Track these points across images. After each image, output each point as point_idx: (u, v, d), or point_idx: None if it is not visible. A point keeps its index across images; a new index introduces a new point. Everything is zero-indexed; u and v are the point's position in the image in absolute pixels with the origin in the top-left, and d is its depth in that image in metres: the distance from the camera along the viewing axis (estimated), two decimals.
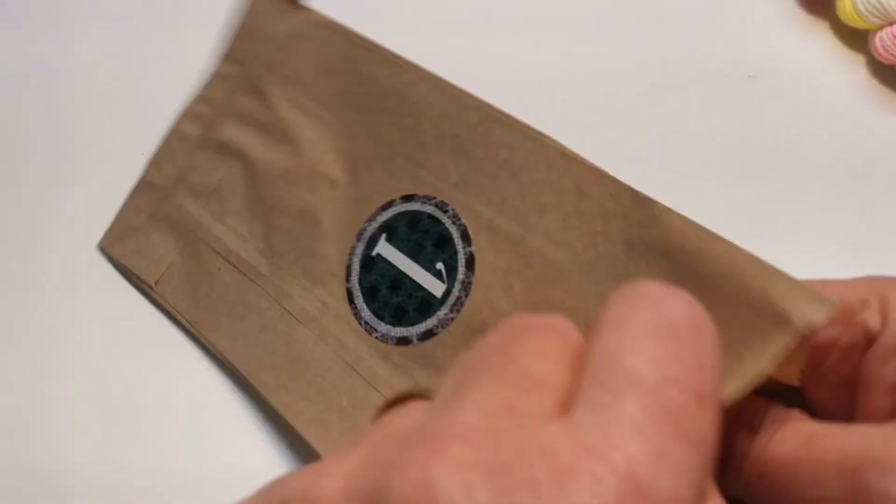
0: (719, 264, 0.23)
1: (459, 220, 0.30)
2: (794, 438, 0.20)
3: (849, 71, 0.40)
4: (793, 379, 0.22)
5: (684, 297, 0.17)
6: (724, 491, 0.19)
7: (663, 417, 0.15)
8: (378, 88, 0.33)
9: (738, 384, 0.20)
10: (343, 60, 0.34)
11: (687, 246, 0.24)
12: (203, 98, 0.38)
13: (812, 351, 0.23)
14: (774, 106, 0.39)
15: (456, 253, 0.30)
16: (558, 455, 0.14)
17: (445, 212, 0.30)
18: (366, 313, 0.31)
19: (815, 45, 0.41)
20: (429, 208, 0.31)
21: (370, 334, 0.31)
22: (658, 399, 0.15)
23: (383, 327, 0.31)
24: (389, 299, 0.31)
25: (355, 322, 0.31)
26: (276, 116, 0.35)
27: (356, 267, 0.32)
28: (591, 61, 0.41)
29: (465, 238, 0.30)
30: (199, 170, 0.37)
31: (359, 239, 0.32)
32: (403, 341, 0.30)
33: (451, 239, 0.30)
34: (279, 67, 0.36)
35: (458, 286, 0.30)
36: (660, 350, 0.15)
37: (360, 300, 0.32)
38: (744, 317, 0.21)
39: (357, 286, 0.32)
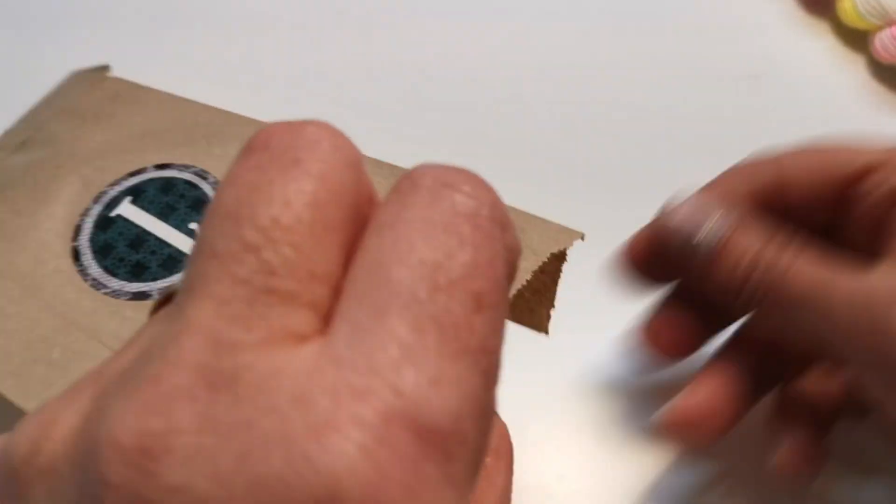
0: None
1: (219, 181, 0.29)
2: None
3: (849, 71, 0.39)
4: (544, 325, 0.25)
5: (465, 181, 0.14)
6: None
7: (435, 333, 0.12)
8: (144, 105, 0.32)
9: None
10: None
11: None
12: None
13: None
14: (774, 106, 0.38)
15: None
16: (314, 403, 0.11)
17: (205, 178, 0.29)
18: (94, 270, 0.27)
19: (816, 46, 0.40)
20: (186, 175, 0.29)
21: (97, 290, 0.27)
22: (428, 311, 0.12)
23: (115, 283, 0.27)
24: (127, 256, 0.27)
25: (78, 278, 0.27)
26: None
27: (88, 226, 0.28)
28: (592, 61, 0.40)
29: None
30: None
31: (96, 201, 0.29)
32: (141, 296, 0.27)
33: (207, 202, 0.28)
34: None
35: None
36: (429, 252, 0.13)
37: (87, 258, 0.27)
38: None
39: (87, 244, 0.28)
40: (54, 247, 0.28)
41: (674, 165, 0.36)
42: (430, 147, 0.37)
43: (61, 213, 0.29)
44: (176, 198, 0.29)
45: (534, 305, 0.26)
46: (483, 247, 0.13)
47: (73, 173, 0.30)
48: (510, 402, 0.26)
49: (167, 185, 0.29)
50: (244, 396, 0.12)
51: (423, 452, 0.12)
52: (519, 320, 0.26)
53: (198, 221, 0.28)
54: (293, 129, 0.14)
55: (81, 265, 0.27)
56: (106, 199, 0.29)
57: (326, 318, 0.13)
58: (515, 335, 0.32)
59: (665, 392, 0.30)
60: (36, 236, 0.28)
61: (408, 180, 0.14)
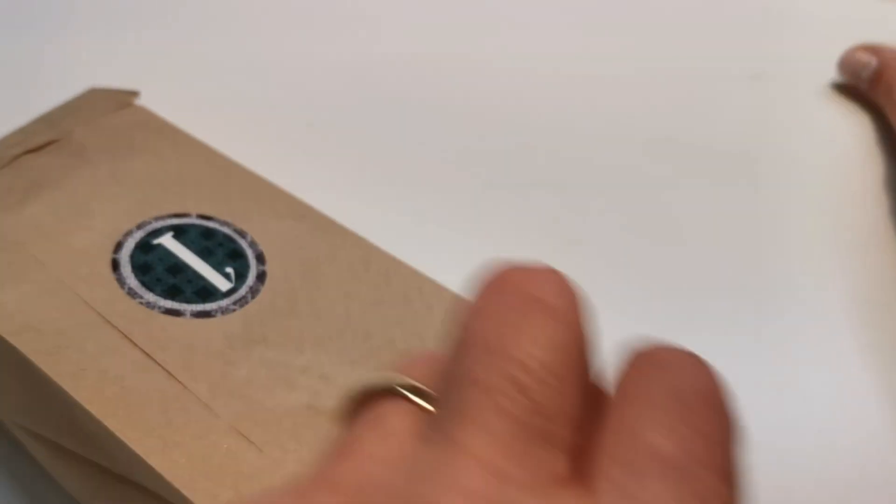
0: None
1: (257, 246, 0.32)
2: None
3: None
4: None
5: (700, 362, 0.14)
6: None
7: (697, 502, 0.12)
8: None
9: None
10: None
11: None
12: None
13: None
14: (774, 106, 0.37)
15: (248, 267, 0.31)
16: None
17: (244, 237, 0.32)
18: (132, 281, 0.29)
19: (816, 46, 0.39)
20: (226, 230, 0.32)
21: (132, 298, 0.28)
22: (687, 482, 0.12)
23: (151, 296, 0.28)
24: (164, 278, 0.29)
25: (115, 284, 0.28)
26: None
27: (129, 245, 0.30)
28: (592, 62, 0.39)
29: (261, 259, 0.31)
30: None
31: (139, 228, 0.31)
32: (174, 313, 0.28)
33: (244, 256, 0.31)
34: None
35: (245, 289, 0.30)
36: (681, 425, 0.13)
37: (126, 269, 0.29)
38: None
39: (127, 259, 0.29)
40: (93, 254, 0.29)
41: (674, 164, 0.35)
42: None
43: (102, 227, 0.30)
44: (215, 245, 0.31)
45: None
46: (724, 427, 0.14)
47: (116, 196, 0.32)
48: None
49: (208, 232, 0.32)
50: None
51: None
52: None
53: (235, 268, 0.30)
54: (529, 272, 0.15)
55: (119, 274, 0.29)
56: (149, 228, 0.31)
57: (576, 464, 0.13)
58: None
59: None
60: (76, 242, 0.30)
61: (643, 352, 0.15)
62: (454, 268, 0.33)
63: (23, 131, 0.36)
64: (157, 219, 0.32)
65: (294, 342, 0.28)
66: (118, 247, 0.30)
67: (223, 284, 0.30)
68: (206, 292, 0.29)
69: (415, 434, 0.14)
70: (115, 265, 0.29)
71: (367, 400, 0.15)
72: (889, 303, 0.33)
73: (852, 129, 0.38)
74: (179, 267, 0.30)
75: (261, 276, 0.30)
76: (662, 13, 0.44)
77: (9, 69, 0.43)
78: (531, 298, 0.14)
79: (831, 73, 0.41)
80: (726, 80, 0.39)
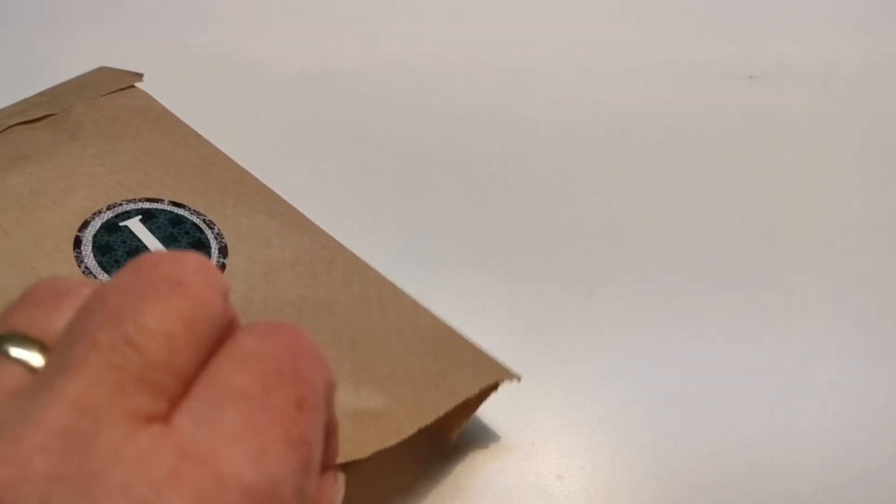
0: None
1: (222, 238, 0.32)
2: None
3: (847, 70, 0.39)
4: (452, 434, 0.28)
5: (288, 330, 0.17)
6: None
7: (264, 422, 0.15)
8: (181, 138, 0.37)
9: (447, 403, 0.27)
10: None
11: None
12: None
13: None
14: (774, 106, 0.38)
15: (210, 258, 0.31)
16: (156, 462, 0.14)
17: (212, 228, 0.32)
18: (90, 261, 0.29)
19: (815, 45, 0.40)
20: (196, 219, 0.33)
21: (86, 277, 0.29)
22: (258, 407, 0.15)
23: (105, 277, 0.29)
24: (122, 260, 0.30)
25: (73, 263, 0.29)
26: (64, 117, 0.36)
27: (96, 225, 0.31)
28: (591, 62, 0.40)
29: (223, 252, 0.32)
30: None
31: (109, 209, 0.32)
32: None
33: (209, 247, 0.32)
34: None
35: None
36: (261, 367, 0.16)
37: (87, 248, 0.30)
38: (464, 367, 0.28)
39: (90, 238, 0.30)
40: (61, 230, 0.30)
41: (673, 164, 0.36)
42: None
43: (75, 205, 0.31)
44: (181, 233, 0.32)
45: (456, 415, 0.29)
46: (307, 366, 0.17)
47: (96, 177, 0.33)
48: (512, 400, 0.29)
49: (177, 219, 0.32)
50: (96, 455, 0.14)
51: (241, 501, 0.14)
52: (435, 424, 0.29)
53: None
54: (177, 257, 0.17)
55: (79, 253, 0.30)
56: (119, 209, 0.32)
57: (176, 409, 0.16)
58: (520, 340, 0.32)
59: (665, 392, 0.32)
60: (48, 216, 0.31)
61: (245, 330, 0.17)
62: (446, 273, 0.35)
63: (25, 102, 0.37)
64: (129, 201, 0.32)
65: None
66: (84, 225, 0.31)
67: None
68: None
69: (15, 392, 0.15)
70: (77, 243, 0.30)
71: None
72: (889, 304, 0.33)
73: (852, 128, 0.38)
74: (139, 251, 0.30)
75: (220, 270, 0.31)
76: (661, 13, 0.45)
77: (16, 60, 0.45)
78: (164, 276, 0.16)
79: (829, 73, 0.40)
80: (724, 79, 0.39)
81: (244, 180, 0.35)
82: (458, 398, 0.27)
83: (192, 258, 0.17)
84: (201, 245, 0.32)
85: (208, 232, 0.32)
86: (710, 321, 0.34)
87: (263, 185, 0.35)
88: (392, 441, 0.25)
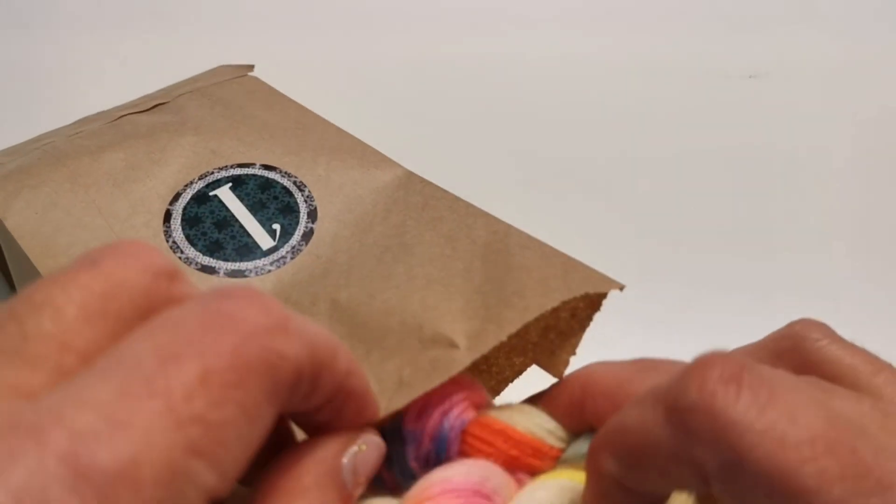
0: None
1: (312, 201, 0.31)
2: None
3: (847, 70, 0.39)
4: (560, 370, 0.25)
5: (233, 294, 0.15)
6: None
7: (141, 392, 0.13)
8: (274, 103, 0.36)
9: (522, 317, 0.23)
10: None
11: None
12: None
13: None
14: (774, 106, 0.38)
15: (297, 223, 0.30)
16: None
17: (302, 191, 0.31)
18: (177, 234, 0.29)
19: (816, 45, 0.40)
20: (287, 182, 0.32)
21: (173, 252, 0.29)
22: (143, 375, 0.13)
23: (191, 252, 0.29)
24: (209, 232, 0.30)
25: (161, 237, 0.29)
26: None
27: (187, 196, 0.31)
28: (591, 61, 0.40)
29: (312, 216, 0.30)
30: None
31: (201, 178, 0.31)
32: (208, 270, 0.29)
33: (297, 211, 0.31)
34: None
35: (286, 248, 0.29)
36: (166, 335, 0.14)
37: (176, 222, 0.30)
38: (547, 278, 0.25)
39: (179, 211, 0.30)
40: (152, 204, 0.30)
41: (673, 164, 0.36)
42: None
43: (168, 177, 0.31)
44: (270, 198, 0.31)
45: (556, 348, 0.26)
46: (228, 336, 0.14)
47: (190, 147, 0.33)
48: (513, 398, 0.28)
49: (267, 184, 0.31)
50: None
51: (73, 489, 0.12)
52: (537, 361, 0.26)
53: (283, 224, 0.30)
54: (109, 244, 0.16)
55: (168, 227, 0.30)
56: (210, 178, 0.31)
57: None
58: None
59: None
60: (140, 190, 0.31)
61: (196, 293, 0.16)
62: None
63: (142, 97, 0.38)
64: (221, 169, 0.32)
65: (312, 307, 0.27)
66: (176, 198, 0.31)
67: (265, 242, 0.30)
68: (247, 250, 0.29)
69: None
70: (168, 217, 0.30)
71: None
72: (890, 305, 0.32)
73: (852, 127, 0.38)
74: (227, 221, 0.30)
75: (306, 235, 0.30)
76: (662, 12, 0.44)
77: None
78: (89, 261, 0.15)
79: (829, 72, 0.40)
80: (724, 78, 0.39)
81: (341, 138, 0.34)
82: (532, 313, 0.23)
83: (126, 242, 0.16)
84: (290, 210, 0.31)
85: (298, 195, 0.31)
86: (714, 318, 0.33)
87: (360, 142, 0.34)
88: (454, 370, 0.22)
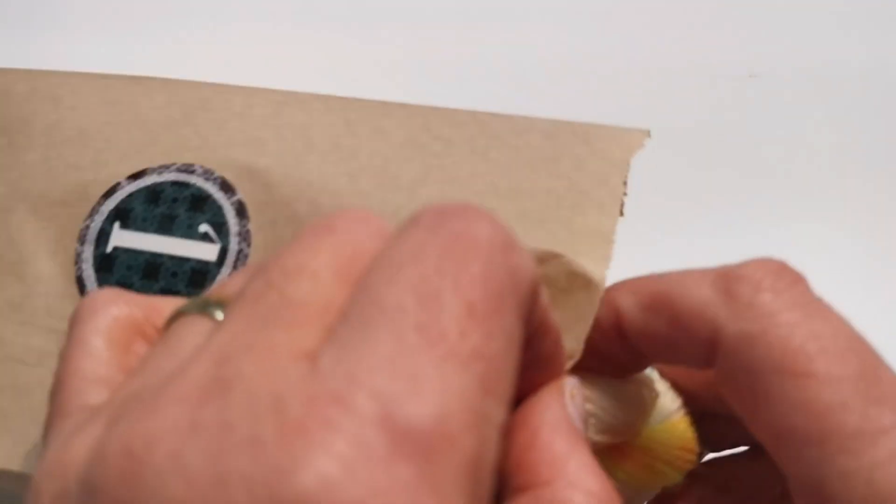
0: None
1: (213, 174, 0.25)
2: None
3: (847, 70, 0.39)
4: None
5: (462, 211, 0.14)
6: None
7: (420, 340, 0.13)
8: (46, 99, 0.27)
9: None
10: (26, 91, 0.28)
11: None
12: None
13: None
14: (774, 106, 0.38)
15: (220, 208, 0.24)
16: (289, 407, 0.12)
17: (192, 172, 0.25)
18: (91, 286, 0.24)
19: (815, 45, 0.40)
20: (169, 176, 0.25)
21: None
22: (411, 320, 0.13)
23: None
24: (148, 289, 0.24)
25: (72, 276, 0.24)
26: None
27: (89, 274, 0.24)
28: (591, 61, 0.40)
29: (227, 188, 0.24)
30: None
31: (82, 242, 0.25)
32: None
33: (209, 196, 0.24)
34: None
35: (234, 239, 0.24)
36: (417, 269, 0.13)
37: (88, 274, 0.24)
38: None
39: (89, 266, 0.24)
40: (65, 311, 0.24)
41: (673, 164, 0.37)
42: None
43: (50, 270, 0.25)
44: (169, 205, 0.25)
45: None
46: (474, 261, 0.14)
47: (34, 217, 0.25)
48: None
49: (152, 194, 0.25)
50: (232, 402, 0.12)
51: (396, 452, 0.12)
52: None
53: (206, 221, 0.24)
54: (336, 212, 0.16)
55: (80, 270, 0.24)
56: (91, 234, 0.25)
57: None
58: None
59: None
60: (34, 306, 0.24)
61: (409, 218, 0.15)
62: None
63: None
64: (91, 215, 0.25)
65: None
66: (81, 284, 0.24)
67: (209, 252, 0.24)
68: (200, 275, 0.24)
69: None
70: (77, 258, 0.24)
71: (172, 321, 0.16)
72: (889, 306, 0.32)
73: (852, 127, 0.37)
74: (153, 263, 0.24)
75: (240, 211, 0.24)
76: (661, 11, 0.43)
77: None
78: (325, 227, 0.15)
79: (830, 72, 0.39)
80: (724, 78, 0.39)
81: (181, 89, 0.27)
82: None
83: (353, 210, 0.16)
84: (200, 199, 0.24)
85: (193, 179, 0.25)
86: None
87: (199, 83, 0.27)
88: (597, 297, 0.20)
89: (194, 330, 0.15)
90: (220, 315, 0.15)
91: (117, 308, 0.18)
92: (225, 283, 0.17)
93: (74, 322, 0.18)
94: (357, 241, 0.15)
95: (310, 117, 0.25)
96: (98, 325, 0.17)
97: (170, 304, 0.18)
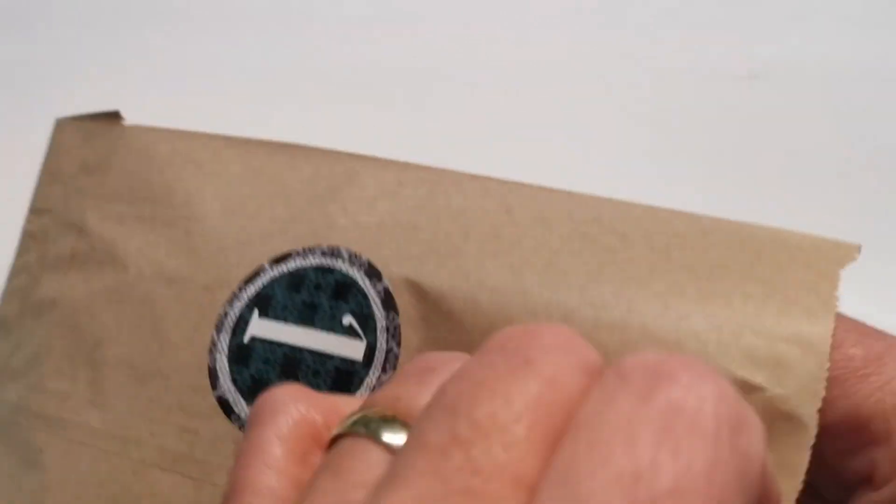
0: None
1: (359, 258, 0.22)
2: None
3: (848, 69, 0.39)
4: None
5: (683, 369, 0.12)
6: None
7: None
8: (217, 165, 0.26)
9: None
10: (167, 153, 0.27)
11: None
12: (16, 270, 0.28)
13: None
14: (774, 106, 0.38)
15: (366, 297, 0.22)
16: None
17: (338, 256, 0.23)
18: (227, 386, 0.21)
19: (816, 45, 0.40)
20: (313, 261, 0.23)
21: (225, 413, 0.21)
22: None
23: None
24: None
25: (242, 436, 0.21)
26: (94, 241, 0.26)
27: (224, 365, 0.22)
28: (592, 62, 0.40)
29: (373, 273, 0.22)
30: (18, 348, 0.26)
31: (219, 330, 0.23)
32: None
33: (354, 283, 0.22)
34: (93, 192, 0.27)
35: (382, 335, 0.21)
36: (629, 460, 0.11)
37: (241, 407, 0.22)
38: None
39: (231, 389, 0.22)
40: (197, 406, 0.22)
41: (674, 164, 0.36)
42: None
43: (186, 360, 0.23)
44: (311, 292, 0.22)
45: None
46: (700, 453, 0.11)
47: (177, 302, 0.24)
48: None
49: (295, 280, 0.23)
50: None
51: None
52: None
53: (350, 312, 0.22)
54: (530, 331, 0.13)
55: (239, 419, 0.21)
56: (229, 322, 0.23)
57: None
58: None
59: None
60: (168, 402, 0.22)
61: (614, 372, 0.12)
62: None
63: (33, 239, 0.28)
64: (231, 301, 0.23)
65: None
66: (214, 377, 0.22)
67: (354, 349, 0.21)
68: (343, 375, 0.21)
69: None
70: (226, 407, 0.22)
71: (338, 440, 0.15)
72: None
73: (852, 127, 0.38)
74: (292, 359, 0.22)
75: (387, 302, 0.21)
76: (661, 10, 0.42)
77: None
78: (520, 360, 0.13)
79: (830, 72, 0.39)
80: (725, 79, 0.39)
81: (328, 160, 0.25)
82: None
83: (548, 329, 0.13)
84: (344, 287, 0.22)
85: (339, 264, 0.23)
86: None
87: (349, 155, 0.24)
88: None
89: (364, 460, 0.14)
90: (392, 440, 0.14)
91: (298, 410, 0.16)
92: (386, 390, 0.15)
93: (255, 422, 0.16)
94: (559, 382, 0.12)
95: (465, 200, 0.22)
96: (279, 429, 0.16)
97: (348, 405, 0.16)
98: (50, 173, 0.29)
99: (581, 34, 0.42)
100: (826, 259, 0.19)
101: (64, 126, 0.29)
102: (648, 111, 0.39)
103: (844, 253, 0.19)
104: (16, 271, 0.29)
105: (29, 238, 0.29)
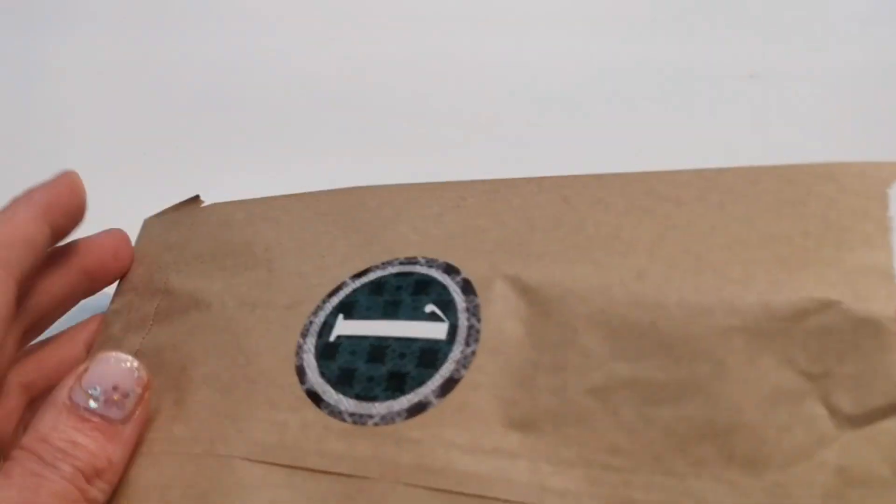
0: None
1: (436, 261, 0.24)
2: None
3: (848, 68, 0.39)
4: None
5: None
6: None
7: None
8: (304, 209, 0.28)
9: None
10: (244, 218, 0.29)
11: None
12: (99, 344, 0.29)
13: None
14: (774, 106, 0.37)
15: (446, 287, 0.23)
16: None
17: (416, 263, 0.24)
18: (346, 404, 0.22)
19: (816, 45, 0.40)
20: (392, 270, 0.24)
21: (362, 424, 0.21)
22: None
23: (380, 407, 0.21)
24: (374, 373, 0.22)
25: (334, 421, 0.21)
26: (178, 295, 0.27)
27: (311, 362, 0.23)
28: (592, 62, 0.40)
29: (452, 270, 0.23)
30: None
31: (305, 336, 0.24)
32: (418, 408, 0.21)
33: (433, 279, 0.23)
34: (175, 260, 0.29)
35: (463, 315, 0.22)
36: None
37: (331, 395, 0.22)
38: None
39: (319, 380, 0.22)
40: (286, 401, 0.22)
41: (673, 165, 0.37)
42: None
43: (271, 362, 0.24)
44: (393, 293, 0.23)
45: None
46: None
47: (261, 323, 0.25)
48: None
49: (376, 286, 0.24)
50: None
51: None
52: None
53: (431, 302, 0.23)
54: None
55: (329, 406, 0.22)
56: (314, 328, 0.24)
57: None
58: None
59: None
60: (260, 400, 0.23)
61: None
62: None
63: (118, 311, 0.29)
64: (315, 313, 0.24)
65: (574, 337, 0.20)
66: (301, 373, 0.23)
67: (438, 330, 0.22)
68: (431, 354, 0.22)
69: None
70: (316, 398, 0.22)
71: None
72: None
73: (852, 127, 0.37)
74: (379, 346, 0.22)
75: (467, 289, 0.23)
76: (660, 10, 0.43)
77: None
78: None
79: (830, 72, 0.39)
80: (723, 78, 0.39)
81: (394, 194, 0.27)
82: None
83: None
84: (425, 283, 0.23)
85: (417, 269, 0.24)
86: None
87: (398, 187, 0.27)
88: None
89: None
90: None
91: None
92: None
93: None
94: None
95: (524, 199, 0.24)
96: None
97: None
98: (135, 261, 0.31)
99: (581, 34, 0.42)
100: (871, 182, 0.20)
101: (150, 224, 0.31)
102: (648, 111, 0.38)
103: (889, 173, 0.20)
104: (99, 345, 0.30)
105: (113, 314, 0.30)
